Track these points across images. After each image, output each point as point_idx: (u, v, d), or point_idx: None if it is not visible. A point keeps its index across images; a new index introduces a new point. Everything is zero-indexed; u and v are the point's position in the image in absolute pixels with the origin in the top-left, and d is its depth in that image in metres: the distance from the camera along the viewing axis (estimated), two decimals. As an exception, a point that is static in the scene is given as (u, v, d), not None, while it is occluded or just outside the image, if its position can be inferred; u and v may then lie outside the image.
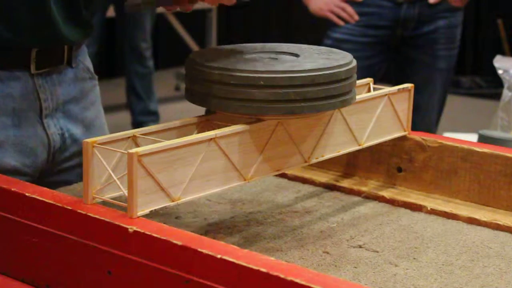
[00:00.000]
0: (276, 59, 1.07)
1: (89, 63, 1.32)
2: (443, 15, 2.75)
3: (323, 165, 1.33)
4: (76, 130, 1.28)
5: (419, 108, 2.77)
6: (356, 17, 2.67)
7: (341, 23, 2.66)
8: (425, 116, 2.83)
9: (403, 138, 1.26)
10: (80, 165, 1.28)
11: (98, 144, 0.96)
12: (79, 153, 1.28)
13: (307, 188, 1.29)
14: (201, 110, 1.10)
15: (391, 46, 2.76)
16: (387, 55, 2.78)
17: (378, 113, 1.19)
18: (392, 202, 1.23)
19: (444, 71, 2.84)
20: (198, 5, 1.16)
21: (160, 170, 0.93)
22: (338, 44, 2.65)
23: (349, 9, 2.67)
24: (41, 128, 1.23)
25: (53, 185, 1.20)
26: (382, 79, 2.78)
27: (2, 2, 1.16)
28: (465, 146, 1.21)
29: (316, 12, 2.72)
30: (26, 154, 1.21)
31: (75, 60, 1.27)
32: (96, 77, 1.34)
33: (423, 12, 2.71)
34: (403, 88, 1.23)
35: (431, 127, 2.84)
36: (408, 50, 2.78)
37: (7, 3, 1.16)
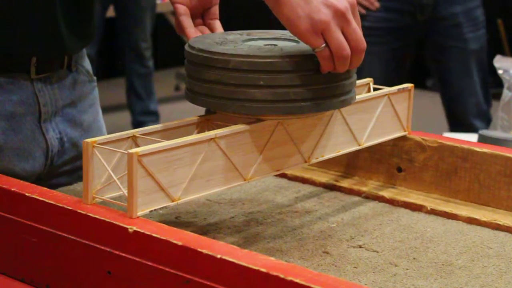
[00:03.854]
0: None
1: (88, 65, 1.31)
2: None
3: (323, 165, 1.33)
4: (75, 134, 1.27)
5: (462, 94, 2.81)
6: (377, 4, 2.69)
7: (362, 11, 2.68)
8: (469, 101, 2.84)
9: (403, 138, 1.26)
10: (79, 168, 1.28)
11: (98, 144, 0.96)
12: (77, 157, 1.27)
13: (307, 188, 1.29)
14: (201, 110, 1.10)
15: (415, 32, 2.79)
16: (412, 42, 2.81)
17: (378, 113, 1.19)
18: (392, 202, 1.23)
19: (477, 52, 2.87)
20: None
21: (160, 170, 0.93)
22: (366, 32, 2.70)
23: None
24: (39, 133, 1.22)
25: (52, 189, 1.19)
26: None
27: (11, 12, 1.15)
28: (465, 146, 1.21)
29: None
30: (25, 158, 1.21)
31: (74, 64, 1.26)
32: (95, 78, 1.33)
33: None
34: (403, 88, 1.23)
35: (481, 108, 2.84)
36: (437, 38, 2.83)
37: (16, 14, 1.16)
